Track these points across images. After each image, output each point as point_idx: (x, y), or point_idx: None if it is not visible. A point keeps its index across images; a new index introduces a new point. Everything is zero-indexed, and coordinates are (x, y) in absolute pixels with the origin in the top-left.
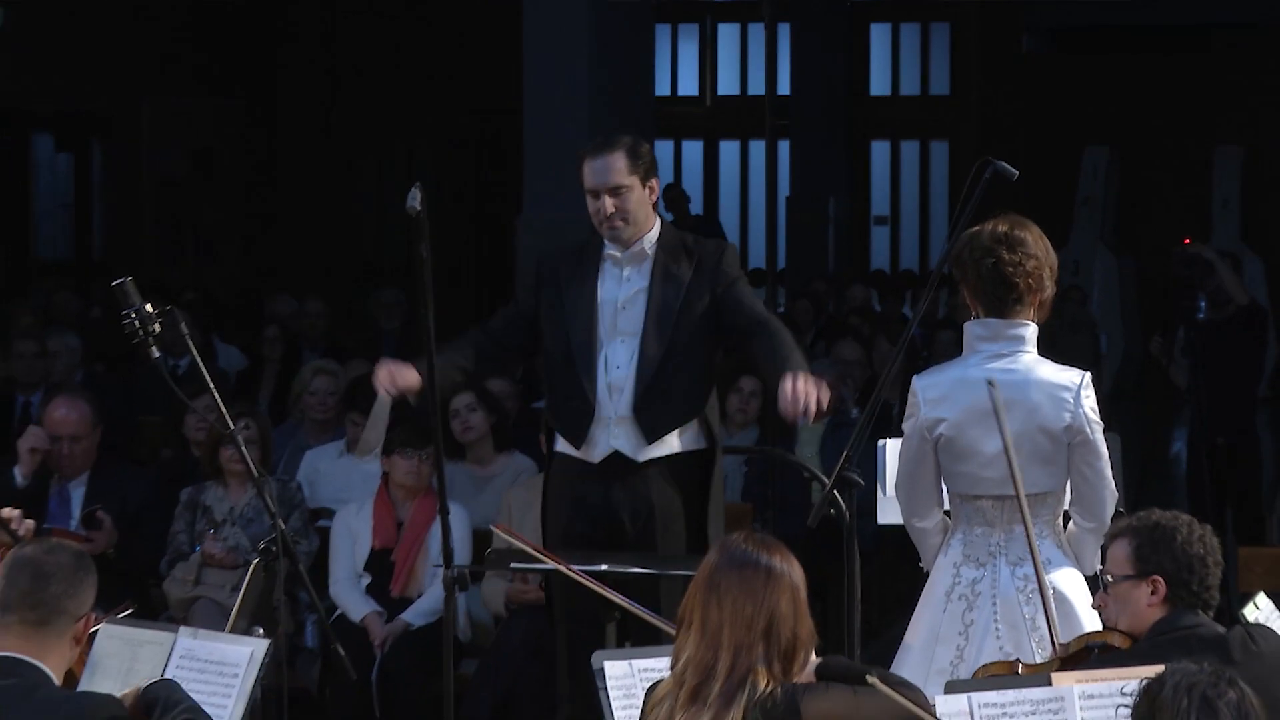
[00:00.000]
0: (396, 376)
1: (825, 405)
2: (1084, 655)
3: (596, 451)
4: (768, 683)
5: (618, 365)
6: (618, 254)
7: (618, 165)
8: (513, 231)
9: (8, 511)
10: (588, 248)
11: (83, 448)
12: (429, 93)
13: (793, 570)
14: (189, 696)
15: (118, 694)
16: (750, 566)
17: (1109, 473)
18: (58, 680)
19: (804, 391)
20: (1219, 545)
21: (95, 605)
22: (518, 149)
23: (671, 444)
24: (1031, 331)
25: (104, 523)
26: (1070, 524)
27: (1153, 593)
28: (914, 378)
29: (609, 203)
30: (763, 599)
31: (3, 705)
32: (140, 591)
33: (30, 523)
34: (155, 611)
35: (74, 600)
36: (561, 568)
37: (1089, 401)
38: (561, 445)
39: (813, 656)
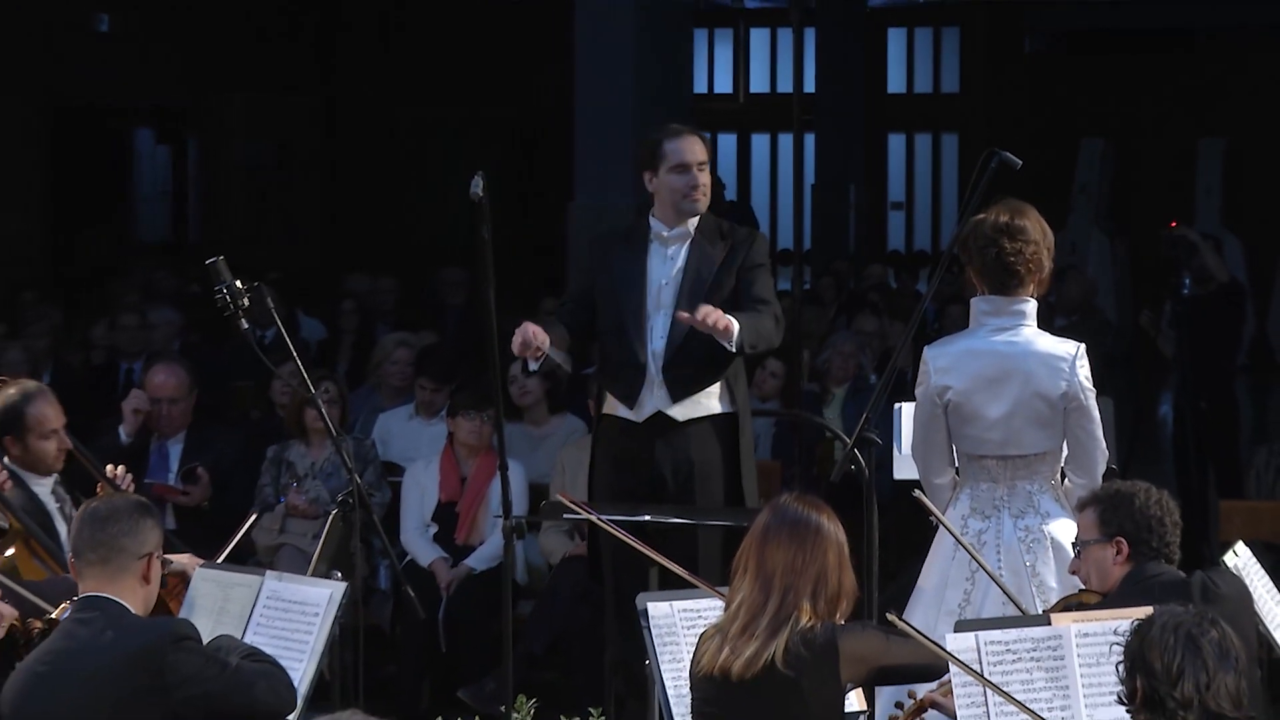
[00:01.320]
0: (536, 337)
1: (715, 327)
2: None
3: (642, 412)
4: (810, 618)
5: (660, 336)
6: (665, 233)
7: (702, 146)
8: (560, 216)
9: (111, 468)
10: (635, 230)
11: (180, 409)
12: (485, 88)
13: (838, 529)
14: (247, 644)
15: (209, 630)
16: (802, 524)
17: (1101, 434)
18: (139, 613)
19: (705, 312)
20: (1177, 508)
21: (196, 554)
22: (561, 140)
23: (704, 405)
24: (1031, 307)
25: (201, 479)
26: (1066, 480)
27: (1118, 553)
28: (925, 348)
29: (700, 175)
30: (812, 552)
31: (93, 633)
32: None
33: (129, 476)
34: (244, 557)
35: (132, 539)
36: (604, 524)
37: (1083, 370)
38: (609, 407)
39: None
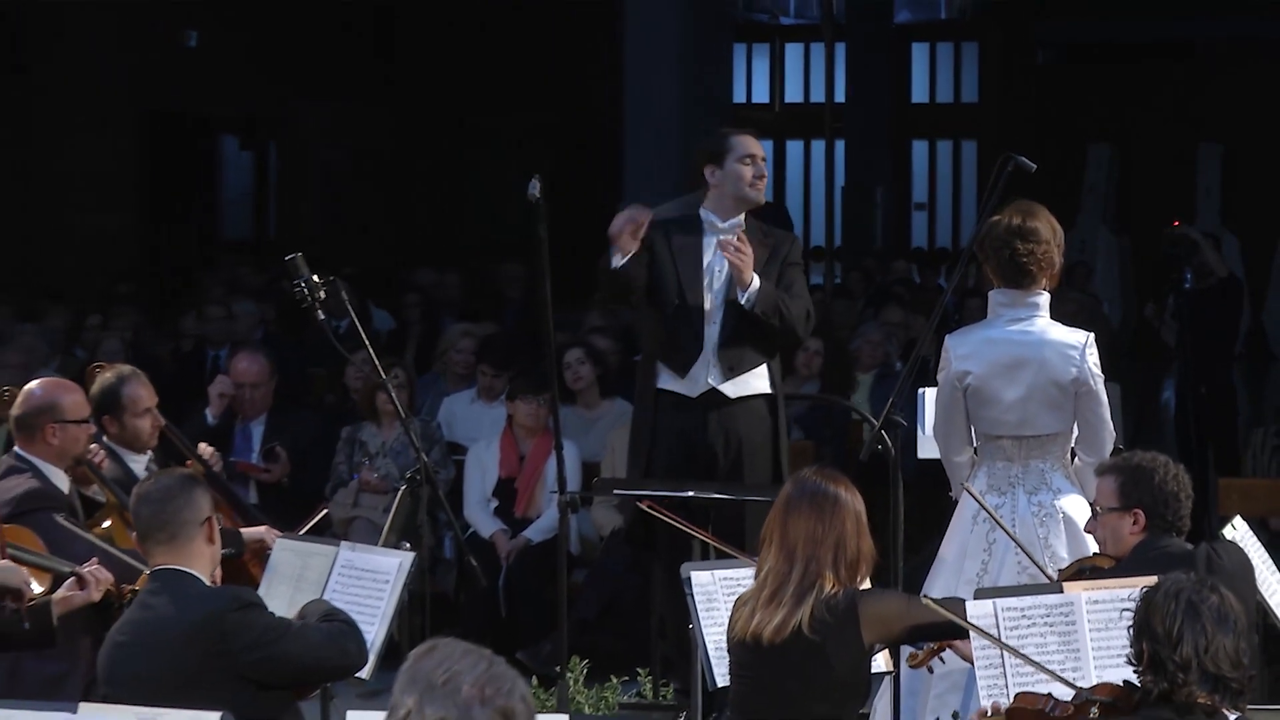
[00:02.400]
0: (634, 229)
1: (742, 262)
2: (1078, 576)
3: (696, 387)
4: (833, 585)
5: (714, 319)
6: (719, 224)
7: (760, 145)
8: (612, 214)
9: (204, 446)
10: (688, 220)
11: (261, 394)
12: (540, 97)
13: (855, 499)
14: (339, 609)
15: (289, 596)
16: (821, 495)
17: (1108, 417)
18: (207, 574)
19: (743, 246)
20: (1190, 481)
21: (275, 526)
22: (610, 144)
23: (752, 385)
24: (1045, 299)
25: (281, 457)
26: (1076, 459)
27: (1134, 523)
28: (946, 337)
29: (763, 167)
30: (831, 521)
31: (163, 604)
32: (307, 513)
33: (216, 454)
34: (321, 529)
35: (190, 510)
36: (660, 513)
37: (1092, 358)
38: (665, 382)
39: (867, 582)
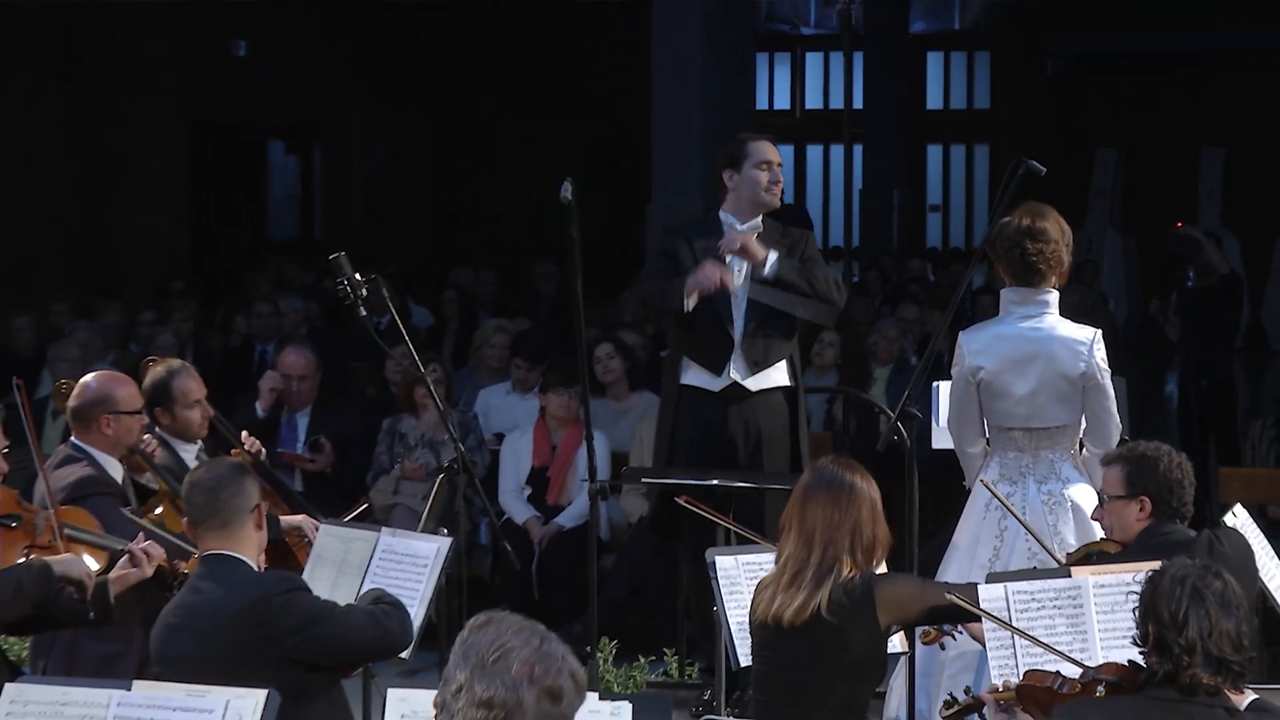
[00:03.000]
0: (719, 280)
1: (746, 252)
2: (1086, 561)
3: (720, 382)
4: (850, 570)
5: (739, 316)
6: (738, 226)
7: (777, 151)
8: (637, 217)
9: (246, 434)
10: (708, 222)
11: (307, 387)
12: (570, 104)
13: (871, 487)
14: (390, 594)
15: (331, 579)
16: (838, 483)
17: (1115, 410)
18: (254, 559)
19: (744, 239)
20: (1193, 469)
21: (319, 513)
22: (637, 149)
23: (773, 378)
24: (1054, 297)
25: (325, 448)
26: (1084, 450)
27: (1140, 510)
28: (960, 333)
29: (779, 173)
30: (847, 508)
31: (212, 589)
32: (351, 500)
33: (259, 444)
34: (362, 519)
35: (241, 498)
36: (694, 506)
37: (1100, 353)
38: (690, 379)
39: (883, 566)
